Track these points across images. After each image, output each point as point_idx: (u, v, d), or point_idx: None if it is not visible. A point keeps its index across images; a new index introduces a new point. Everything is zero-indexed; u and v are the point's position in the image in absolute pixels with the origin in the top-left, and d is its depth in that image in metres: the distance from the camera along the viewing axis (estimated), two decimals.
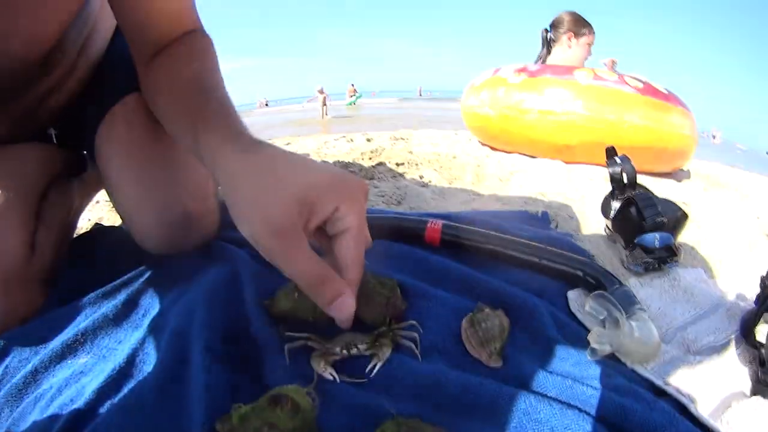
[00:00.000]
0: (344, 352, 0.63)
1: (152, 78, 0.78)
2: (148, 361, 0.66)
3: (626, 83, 2.64)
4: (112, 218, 1.48)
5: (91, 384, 0.62)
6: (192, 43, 0.80)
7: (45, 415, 0.60)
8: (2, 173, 0.84)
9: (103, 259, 1.00)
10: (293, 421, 0.48)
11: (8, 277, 0.78)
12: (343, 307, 0.53)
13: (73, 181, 1.05)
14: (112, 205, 1.16)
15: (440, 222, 0.99)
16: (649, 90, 2.64)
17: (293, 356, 0.64)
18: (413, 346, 0.67)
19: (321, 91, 15.39)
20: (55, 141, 0.98)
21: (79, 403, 0.59)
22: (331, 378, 0.60)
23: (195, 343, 0.64)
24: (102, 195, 1.56)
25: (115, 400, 0.59)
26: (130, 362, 0.66)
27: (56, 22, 0.75)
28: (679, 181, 2.58)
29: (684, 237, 1.14)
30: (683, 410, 0.63)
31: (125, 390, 0.61)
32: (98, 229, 1.28)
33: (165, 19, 0.77)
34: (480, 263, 0.93)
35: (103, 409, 0.58)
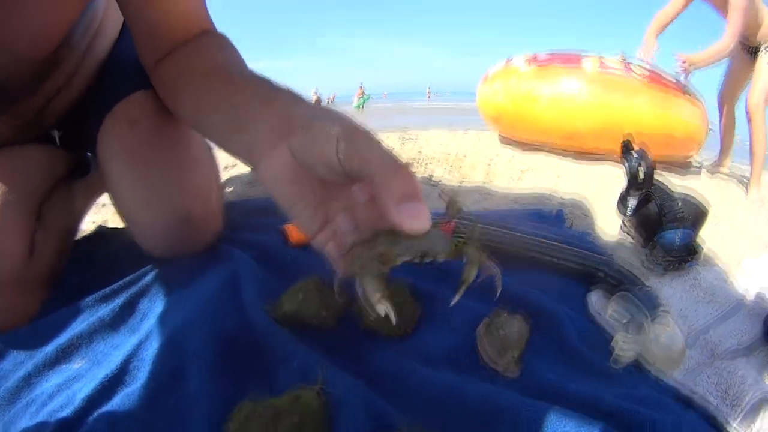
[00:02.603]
0: (416, 261, 0.48)
1: (173, 72, 0.74)
2: (143, 368, 0.64)
3: (632, 71, 2.66)
4: (116, 221, 1.46)
5: (82, 390, 0.60)
6: (215, 37, 0.77)
7: (34, 422, 0.58)
8: (3, 174, 0.81)
9: (105, 261, 0.98)
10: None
11: (4, 280, 0.76)
12: (421, 215, 0.41)
13: (76, 183, 1.03)
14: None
15: (452, 221, 0.96)
16: (656, 79, 2.66)
17: (301, 357, 0.60)
18: (497, 274, 0.55)
19: (315, 93, 15.31)
20: (58, 143, 0.96)
21: (68, 411, 0.57)
22: (383, 313, 0.45)
23: (191, 353, 0.61)
24: (107, 198, 1.54)
25: (105, 409, 0.57)
26: (124, 369, 0.63)
27: (61, 21, 0.73)
28: (691, 175, 2.56)
29: (700, 235, 1.10)
30: (712, 419, 0.61)
31: (116, 399, 0.58)
32: (101, 231, 1.26)
33: (178, 18, 0.74)
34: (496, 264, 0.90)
35: (91, 418, 0.56)
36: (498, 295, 0.54)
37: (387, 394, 0.58)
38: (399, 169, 0.43)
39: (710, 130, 2.87)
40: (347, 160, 0.44)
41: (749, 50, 2.59)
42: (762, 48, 2.50)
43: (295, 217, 0.50)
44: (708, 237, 1.32)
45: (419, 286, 0.77)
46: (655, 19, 2.83)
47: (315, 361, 0.59)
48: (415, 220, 0.41)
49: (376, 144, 0.45)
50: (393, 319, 0.45)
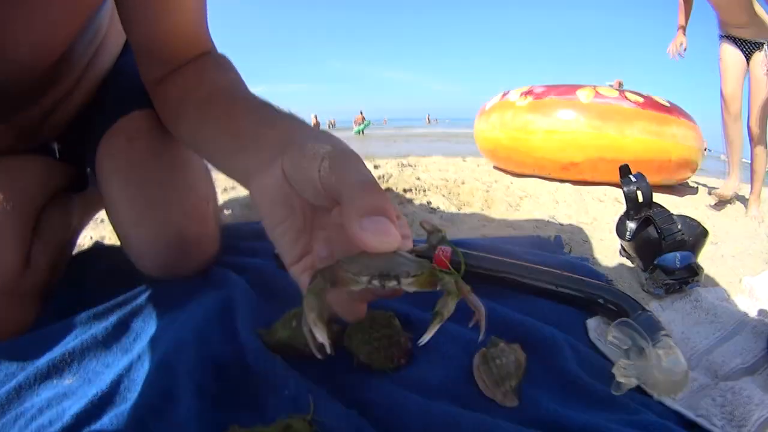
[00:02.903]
0: (375, 282, 0.41)
1: (175, 92, 0.74)
2: (133, 389, 0.63)
3: (626, 98, 2.73)
4: (114, 238, 1.45)
5: (71, 408, 0.59)
6: (217, 59, 0.78)
7: None
8: (0, 185, 0.81)
9: (100, 278, 0.98)
10: None
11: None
12: (386, 231, 0.37)
13: (74, 197, 1.02)
14: None
15: (449, 249, 0.95)
16: (649, 104, 2.72)
17: (293, 385, 0.59)
18: (480, 311, 0.49)
19: (314, 118, 15.44)
20: (57, 156, 0.97)
21: (56, 427, 0.56)
22: (320, 341, 0.41)
23: (183, 376, 0.61)
24: (105, 214, 1.54)
25: (93, 427, 0.56)
26: (114, 389, 0.63)
27: (64, 32, 0.73)
28: (686, 196, 2.57)
29: (700, 255, 1.10)
30: None
31: (105, 418, 0.57)
32: (98, 248, 1.26)
33: (180, 38, 0.75)
34: (493, 292, 0.89)
35: None
36: (481, 335, 0.49)
37: (380, 423, 0.56)
38: (370, 185, 0.40)
39: (707, 150, 2.89)
40: (325, 176, 0.42)
41: (735, 41, 2.56)
42: (759, 52, 2.46)
43: (276, 239, 0.48)
44: (708, 256, 1.32)
45: (413, 316, 0.76)
46: (679, 14, 2.83)
47: (306, 389, 0.58)
48: (379, 236, 0.37)
49: (357, 165, 0.43)
50: (328, 348, 0.41)
